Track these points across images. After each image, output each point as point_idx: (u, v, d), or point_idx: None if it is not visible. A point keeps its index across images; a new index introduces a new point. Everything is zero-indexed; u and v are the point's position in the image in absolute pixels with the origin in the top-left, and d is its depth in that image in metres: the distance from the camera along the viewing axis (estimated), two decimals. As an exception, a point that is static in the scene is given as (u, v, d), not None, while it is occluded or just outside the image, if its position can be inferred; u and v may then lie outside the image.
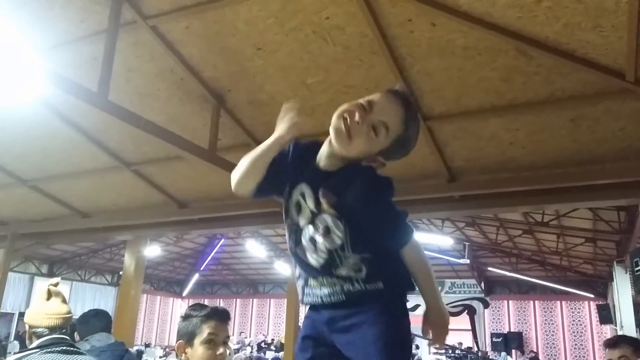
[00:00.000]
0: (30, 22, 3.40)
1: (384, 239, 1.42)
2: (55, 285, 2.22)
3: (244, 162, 1.50)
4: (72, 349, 2.07)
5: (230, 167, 4.33)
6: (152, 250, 13.90)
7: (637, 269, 5.81)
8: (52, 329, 2.08)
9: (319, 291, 1.44)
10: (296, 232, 1.51)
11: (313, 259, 1.45)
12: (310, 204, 1.47)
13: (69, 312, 2.19)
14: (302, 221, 1.49)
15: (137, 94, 4.00)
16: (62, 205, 6.31)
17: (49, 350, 1.99)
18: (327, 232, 1.43)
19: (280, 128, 1.47)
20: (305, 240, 1.47)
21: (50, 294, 2.18)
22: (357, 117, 1.39)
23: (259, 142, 5.27)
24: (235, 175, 1.51)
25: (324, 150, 1.50)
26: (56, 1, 3.25)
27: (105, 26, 3.17)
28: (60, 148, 5.04)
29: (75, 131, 4.68)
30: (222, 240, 18.40)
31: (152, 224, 6.42)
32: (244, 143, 4.51)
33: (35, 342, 2.04)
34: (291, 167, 1.55)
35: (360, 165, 1.45)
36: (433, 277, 1.48)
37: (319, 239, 1.44)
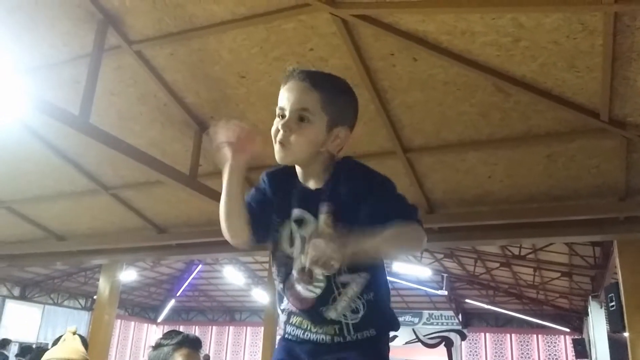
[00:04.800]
0: (12, 43, 3.39)
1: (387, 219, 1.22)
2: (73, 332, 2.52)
3: (221, 212, 1.36)
4: None
5: (211, 193, 4.33)
6: (128, 275, 13.59)
7: (611, 304, 5.88)
8: None
9: (305, 334, 1.35)
10: (286, 265, 1.38)
11: (307, 291, 1.33)
12: (305, 228, 1.35)
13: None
14: (295, 251, 1.36)
15: (118, 117, 3.99)
16: (37, 227, 6.18)
17: None
18: None
19: (225, 158, 1.37)
20: (297, 271, 1.34)
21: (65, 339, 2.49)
22: (276, 129, 1.33)
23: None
24: (224, 229, 1.36)
25: (299, 170, 1.41)
26: (40, 24, 3.25)
27: (88, 50, 3.18)
28: (38, 170, 4.97)
29: (53, 153, 4.63)
30: (200, 266, 18.13)
31: (129, 248, 6.33)
32: (225, 170, 4.50)
33: None
34: (275, 199, 1.42)
35: (342, 166, 1.37)
36: (386, 246, 1.27)
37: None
